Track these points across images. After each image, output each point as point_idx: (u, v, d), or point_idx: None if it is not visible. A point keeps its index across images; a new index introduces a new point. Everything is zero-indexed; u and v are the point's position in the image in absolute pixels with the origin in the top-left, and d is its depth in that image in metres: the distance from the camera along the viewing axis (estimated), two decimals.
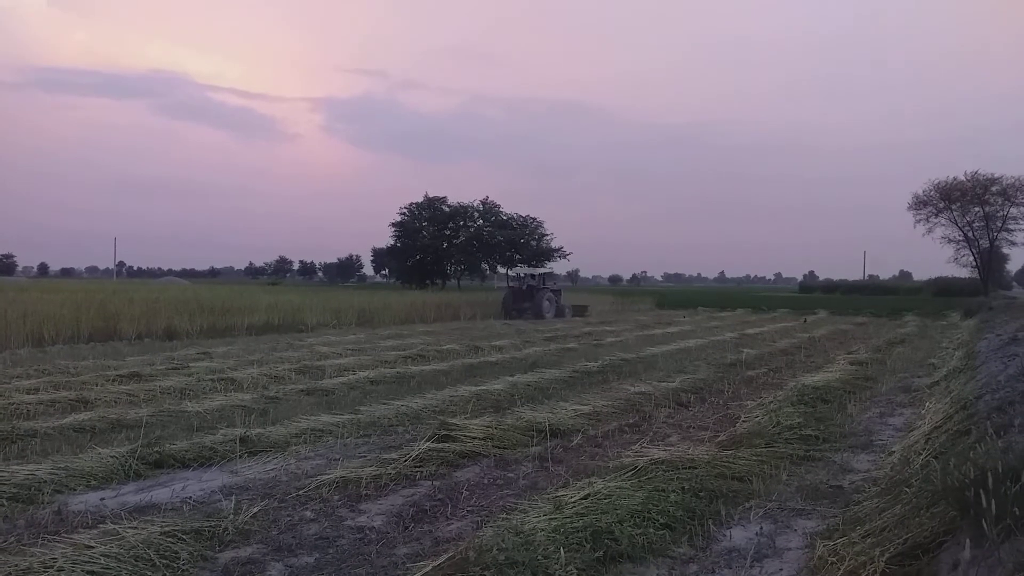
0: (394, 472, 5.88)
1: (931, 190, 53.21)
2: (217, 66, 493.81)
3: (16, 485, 5.30)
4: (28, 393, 9.34)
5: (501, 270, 74.65)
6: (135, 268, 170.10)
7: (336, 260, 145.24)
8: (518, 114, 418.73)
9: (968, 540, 3.16)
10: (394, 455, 6.34)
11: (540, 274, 33.81)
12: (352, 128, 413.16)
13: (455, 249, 72.49)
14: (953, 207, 52.76)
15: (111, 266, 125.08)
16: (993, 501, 3.12)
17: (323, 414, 8.23)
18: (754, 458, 6.20)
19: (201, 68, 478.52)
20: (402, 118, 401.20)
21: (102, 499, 5.30)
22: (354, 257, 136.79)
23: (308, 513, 5.04)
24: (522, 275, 34.05)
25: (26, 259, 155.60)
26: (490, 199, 74.14)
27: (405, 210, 73.80)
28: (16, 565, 3.79)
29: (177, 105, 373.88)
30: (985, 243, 53.01)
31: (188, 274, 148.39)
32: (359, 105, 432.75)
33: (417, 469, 6.03)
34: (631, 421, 8.29)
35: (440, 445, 6.53)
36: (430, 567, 3.79)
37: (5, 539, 4.32)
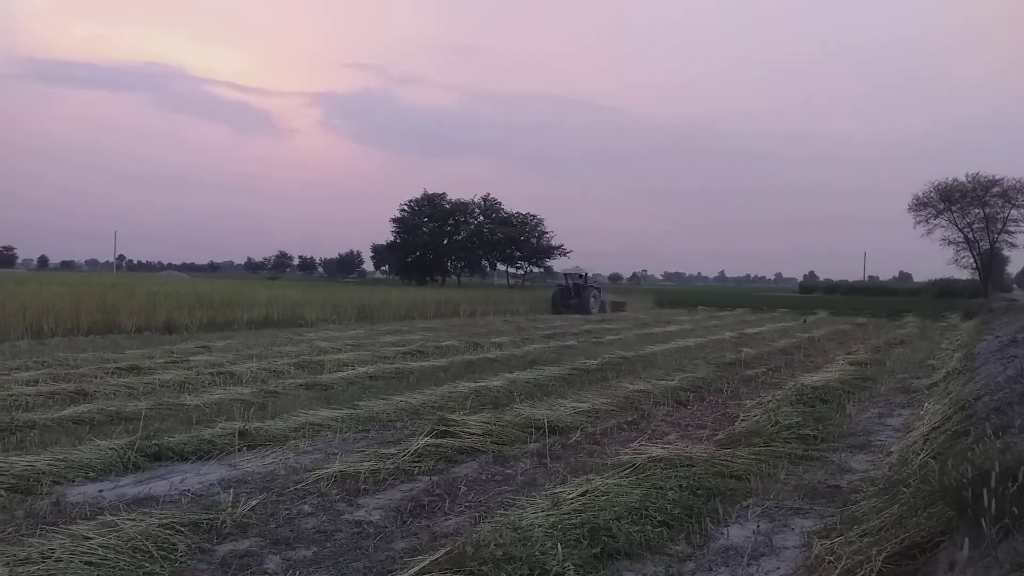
0: (392, 467, 5.88)
1: (931, 191, 53.31)
2: (213, 59, 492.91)
3: (15, 476, 5.30)
4: (27, 385, 9.34)
5: (501, 267, 74.85)
6: (135, 262, 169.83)
7: (336, 256, 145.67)
8: (518, 111, 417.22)
9: (967, 540, 3.16)
10: (393, 450, 6.34)
11: (586, 274, 36.98)
12: (350, 123, 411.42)
13: (455, 246, 72.51)
14: (953, 208, 52.79)
15: (111, 259, 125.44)
16: (992, 501, 3.13)
17: (322, 409, 8.23)
18: (752, 457, 6.21)
19: (197, 61, 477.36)
20: (401, 114, 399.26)
21: (100, 491, 5.30)
22: (354, 253, 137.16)
23: (306, 507, 5.04)
24: (570, 274, 37.45)
25: (26, 251, 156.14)
26: (491, 196, 74.27)
27: (405, 206, 73.87)
28: (15, 555, 3.80)
29: (175, 98, 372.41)
30: (985, 245, 53.05)
31: (188, 268, 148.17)
32: (357, 100, 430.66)
33: (415, 464, 6.03)
34: (630, 419, 8.30)
35: (439, 441, 6.54)
36: (427, 561, 3.79)
37: (3, 529, 4.32)
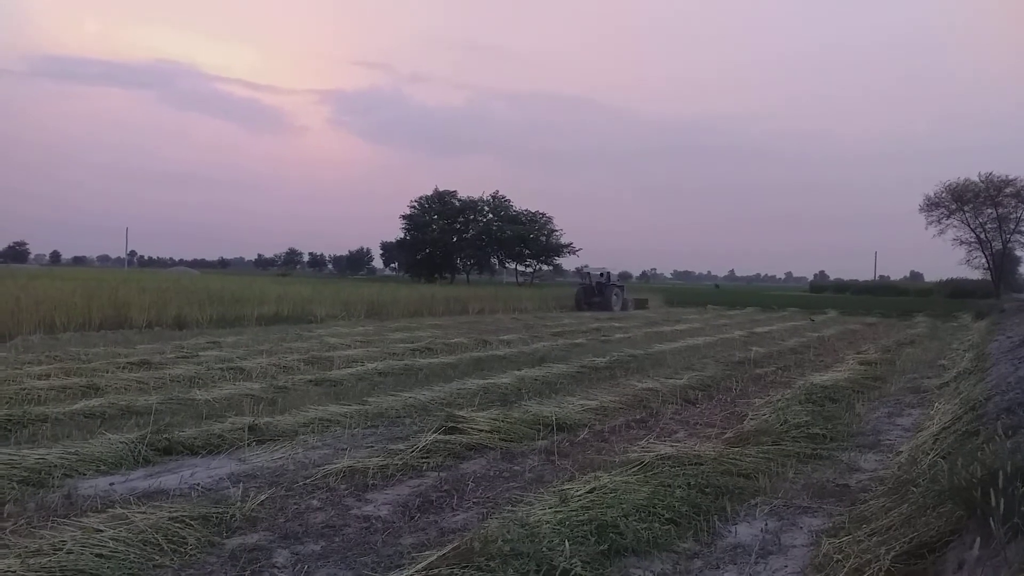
0: (401, 463, 5.90)
1: (943, 191, 53.00)
2: (225, 57, 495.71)
3: (27, 469, 5.35)
4: (39, 379, 9.42)
5: (510, 265, 74.83)
6: (146, 257, 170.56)
7: (346, 252, 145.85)
8: (526, 109, 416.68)
9: (977, 539, 3.15)
10: (401, 446, 6.37)
11: (608, 272, 38.42)
12: (360, 121, 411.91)
13: (464, 243, 72.51)
14: (965, 208, 52.47)
15: (123, 255, 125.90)
16: (1002, 500, 3.11)
17: (331, 404, 8.26)
18: (761, 456, 6.19)
19: (209, 58, 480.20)
20: (410, 111, 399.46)
21: (111, 484, 5.34)
22: (364, 250, 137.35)
23: (315, 502, 5.06)
24: (593, 273, 38.75)
25: (39, 247, 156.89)
26: (500, 193, 74.20)
27: (415, 203, 73.96)
28: (26, 547, 3.84)
29: (186, 95, 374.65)
30: (998, 245, 52.71)
31: (199, 264, 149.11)
32: (366, 98, 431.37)
33: (424, 460, 6.05)
34: (638, 417, 8.29)
35: (447, 437, 6.55)
36: (435, 557, 3.81)
37: (16, 522, 4.36)
